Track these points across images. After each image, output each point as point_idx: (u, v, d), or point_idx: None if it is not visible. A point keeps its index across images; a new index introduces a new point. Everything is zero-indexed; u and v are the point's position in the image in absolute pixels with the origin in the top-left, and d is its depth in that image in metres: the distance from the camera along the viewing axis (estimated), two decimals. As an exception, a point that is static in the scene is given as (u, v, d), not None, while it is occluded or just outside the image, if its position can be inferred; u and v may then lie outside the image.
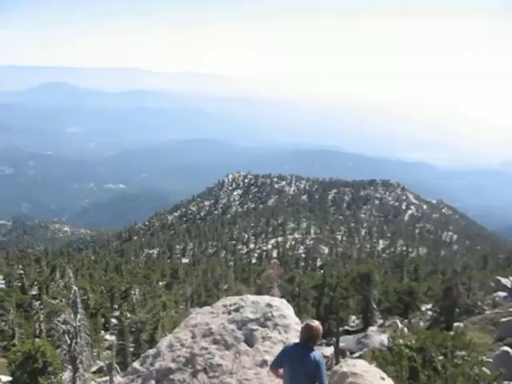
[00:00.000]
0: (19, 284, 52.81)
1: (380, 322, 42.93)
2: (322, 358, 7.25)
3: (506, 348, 19.75)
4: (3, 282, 55.52)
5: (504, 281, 40.29)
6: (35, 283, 52.31)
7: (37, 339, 26.94)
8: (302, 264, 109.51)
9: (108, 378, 30.55)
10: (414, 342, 15.30)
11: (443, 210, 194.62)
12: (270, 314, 10.12)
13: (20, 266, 63.98)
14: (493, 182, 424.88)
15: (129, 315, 44.40)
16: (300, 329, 7.48)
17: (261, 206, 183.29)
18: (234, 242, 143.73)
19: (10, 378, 25.59)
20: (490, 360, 19.47)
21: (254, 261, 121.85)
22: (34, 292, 50.22)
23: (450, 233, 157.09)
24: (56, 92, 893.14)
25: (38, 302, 43.22)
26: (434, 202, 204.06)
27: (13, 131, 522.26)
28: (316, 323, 7.27)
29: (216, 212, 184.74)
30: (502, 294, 37.15)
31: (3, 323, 35.69)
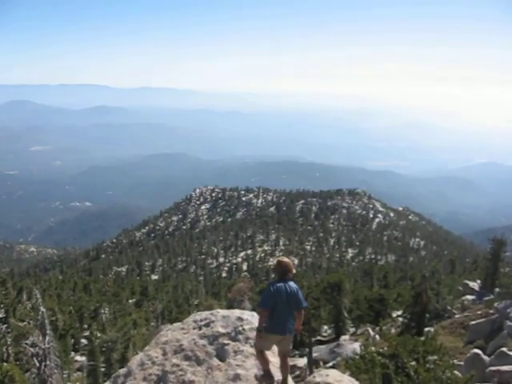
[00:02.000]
0: (-16, 308, 51.59)
1: (352, 330, 43.07)
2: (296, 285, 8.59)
3: (476, 350, 19.96)
4: (-33, 306, 54.18)
5: (472, 284, 40.83)
6: (1, 306, 50.87)
7: (4, 364, 26.25)
8: (272, 276, 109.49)
9: (79, 399, 29.98)
10: (386, 348, 15.34)
11: (410, 217, 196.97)
12: (241, 328, 10.06)
13: (-15, 289, 62.55)
14: (454, 187, 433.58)
15: (99, 335, 43.73)
16: (275, 267, 8.80)
17: (229, 219, 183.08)
18: (203, 256, 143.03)
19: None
20: (462, 363, 19.64)
21: (224, 274, 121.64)
22: (0, 315, 49.09)
23: (418, 239, 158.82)
24: (20, 110, 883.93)
25: (5, 325, 42.11)
26: (401, 209, 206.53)
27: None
28: (286, 258, 8.73)
29: (184, 227, 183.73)
30: (471, 297, 37.62)
31: (-31, 348, 34.73)
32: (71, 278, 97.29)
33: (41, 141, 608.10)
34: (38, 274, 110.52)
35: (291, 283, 8.51)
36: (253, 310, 18.59)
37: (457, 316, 32.60)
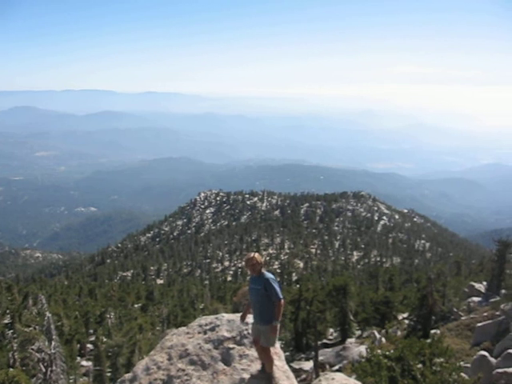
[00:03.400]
0: (-10, 313, 51.65)
1: (358, 333, 42.92)
2: (272, 275, 8.92)
3: (483, 352, 19.85)
4: (-26, 312, 54.30)
5: (478, 286, 40.66)
6: (7, 311, 50.96)
7: (11, 369, 26.28)
8: (278, 279, 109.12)
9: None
10: (392, 351, 15.29)
11: (415, 219, 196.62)
12: (246, 332, 10.04)
13: (-9, 295, 62.68)
14: (459, 189, 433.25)
15: (105, 339, 43.71)
16: (245, 265, 9.09)
17: (234, 223, 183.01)
18: (208, 260, 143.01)
19: (-17, 411, 24.92)
20: (468, 365, 19.55)
21: (229, 278, 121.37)
22: (6, 321, 48.93)
23: (423, 241, 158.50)
24: (25, 116, 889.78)
25: (11, 330, 42.18)
26: (406, 211, 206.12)
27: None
28: (252, 253, 8.98)
29: (189, 231, 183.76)
30: (477, 299, 37.44)
31: (-25, 354, 34.75)
32: (77, 283, 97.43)
33: (45, 146, 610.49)
34: (43, 280, 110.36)
35: (265, 273, 8.93)
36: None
37: (463, 318, 32.45)
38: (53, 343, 23.21)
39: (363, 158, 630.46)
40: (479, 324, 26.26)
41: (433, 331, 30.11)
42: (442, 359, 13.85)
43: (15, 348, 38.46)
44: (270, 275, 8.78)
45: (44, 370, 22.49)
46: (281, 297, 8.63)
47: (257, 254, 8.92)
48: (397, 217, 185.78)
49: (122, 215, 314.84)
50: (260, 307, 8.73)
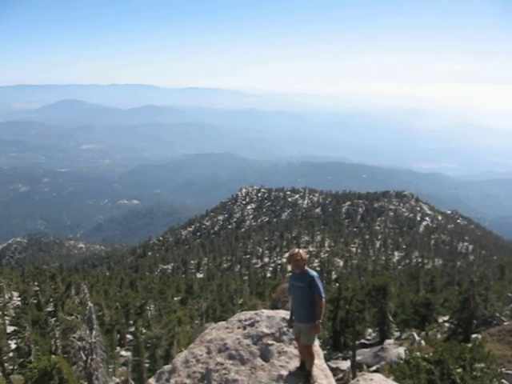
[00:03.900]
0: (35, 301, 52.89)
1: (397, 334, 42.50)
2: (316, 273, 8.73)
3: (526, 359, 19.49)
4: (19, 298, 55.71)
5: (522, 291, 39.82)
6: (51, 300, 52.30)
7: (53, 356, 26.91)
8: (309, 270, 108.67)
9: (124, 394, 30.45)
10: (431, 354, 15.13)
11: (458, 221, 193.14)
12: (285, 329, 10.06)
13: (35, 283, 64.21)
14: (505, 190, 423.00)
15: (144, 331, 44.30)
16: (287, 260, 9.10)
17: (274, 219, 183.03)
18: (248, 256, 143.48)
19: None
20: (510, 372, 19.21)
21: (268, 275, 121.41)
22: (49, 309, 50.25)
23: (466, 243, 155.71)
24: (71, 110, 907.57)
25: (54, 318, 43.29)
26: (449, 212, 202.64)
27: (28, 149, 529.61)
28: (297, 249, 8.87)
29: (230, 226, 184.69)
30: (520, 304, 36.71)
31: (19, 340, 35.69)
32: (118, 275, 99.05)
33: (91, 139, 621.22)
34: (86, 270, 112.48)
35: (309, 270, 8.91)
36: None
37: (506, 323, 31.82)
38: (94, 332, 23.67)
39: (407, 158, 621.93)
40: (522, 330, 25.74)
41: (474, 336, 29.63)
42: (482, 364, 13.66)
43: (57, 336, 39.42)
44: (314, 273, 8.68)
45: (84, 358, 22.96)
46: (324, 295, 8.60)
47: (301, 250, 8.83)
48: (440, 218, 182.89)
49: (163, 209, 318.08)
50: (302, 305, 8.67)
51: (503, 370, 15.58)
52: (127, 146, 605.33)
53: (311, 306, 8.59)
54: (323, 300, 8.58)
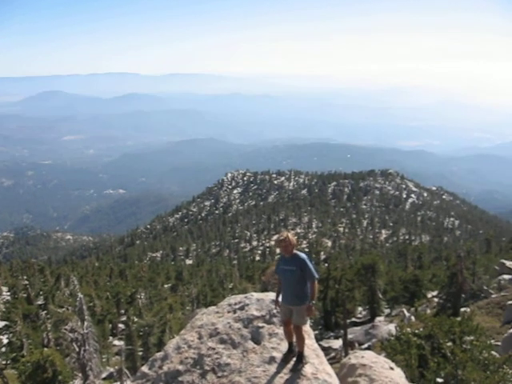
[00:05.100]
0: (25, 295, 52.67)
1: (387, 311, 42.92)
2: (305, 255, 8.66)
3: (514, 330, 19.73)
4: (8, 293, 55.48)
5: (508, 263, 40.18)
6: (40, 293, 52.16)
7: (45, 349, 26.89)
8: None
9: (119, 383, 30.52)
10: (421, 329, 15.29)
11: (444, 197, 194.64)
12: (275, 311, 10.08)
13: (24, 277, 64.00)
14: (489, 165, 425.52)
15: (136, 319, 44.35)
16: (275, 245, 9.20)
17: (261, 202, 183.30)
18: (236, 240, 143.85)
19: (20, 389, 25.52)
20: (499, 343, 19.46)
21: (257, 258, 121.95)
22: (39, 302, 50.09)
23: (452, 219, 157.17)
24: (51, 101, 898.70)
25: (45, 311, 43.18)
26: (434, 188, 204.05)
27: (10, 142, 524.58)
28: (285, 233, 8.66)
29: (217, 211, 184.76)
30: (507, 276, 37.05)
31: (11, 335, 35.61)
32: (107, 265, 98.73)
33: (73, 130, 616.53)
34: (74, 261, 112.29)
35: (298, 253, 8.80)
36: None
37: (493, 296, 32.21)
38: (85, 323, 23.63)
39: (391, 136, 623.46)
40: (510, 302, 26.04)
41: (463, 309, 29.98)
42: (472, 337, 13.80)
43: (49, 328, 39.40)
44: (304, 255, 8.62)
45: (77, 349, 22.93)
46: (317, 276, 8.58)
47: (290, 235, 8.68)
48: (425, 195, 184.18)
49: (150, 197, 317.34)
50: (294, 288, 8.60)
51: (492, 341, 15.75)
52: (110, 135, 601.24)
53: (303, 288, 8.58)
54: (316, 282, 8.57)
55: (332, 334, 38.51)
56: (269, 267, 56.02)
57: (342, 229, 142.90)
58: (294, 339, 9.02)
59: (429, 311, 34.54)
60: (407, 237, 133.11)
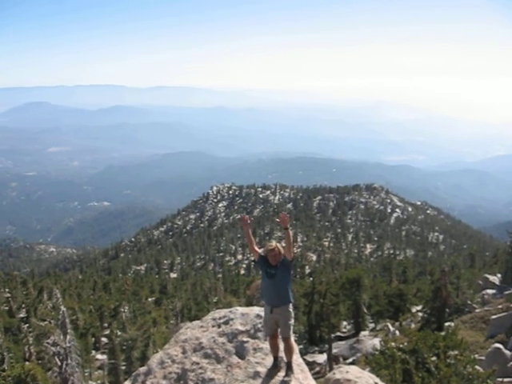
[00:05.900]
0: (6, 308, 52.00)
1: (371, 326, 42.92)
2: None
3: (498, 345, 19.80)
4: (-10, 306, 54.78)
5: (492, 278, 40.48)
6: (23, 306, 51.55)
7: (27, 363, 26.54)
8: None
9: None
10: (406, 344, 15.29)
11: (428, 211, 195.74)
12: (260, 325, 10.05)
13: (6, 290, 63.20)
14: (473, 180, 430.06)
15: (119, 333, 43.99)
16: (264, 252, 9.34)
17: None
18: (221, 254, 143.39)
19: (0, 405, 25.14)
20: (483, 358, 19.50)
21: (242, 272, 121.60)
22: (21, 315, 49.49)
23: (436, 233, 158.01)
24: (36, 112, 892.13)
25: (27, 324, 42.64)
26: (419, 203, 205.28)
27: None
28: (274, 243, 9.37)
29: (202, 225, 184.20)
30: (491, 291, 37.26)
31: (-9, 348, 35.13)
32: (91, 278, 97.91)
33: (58, 142, 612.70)
34: (58, 274, 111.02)
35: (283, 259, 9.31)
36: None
37: (477, 310, 32.34)
38: (68, 337, 23.41)
39: (376, 151, 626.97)
40: (494, 316, 26.16)
41: (447, 324, 30.03)
42: (456, 352, 13.83)
43: (31, 342, 38.87)
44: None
45: (59, 363, 22.69)
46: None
47: (279, 245, 9.25)
48: (410, 209, 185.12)
49: (135, 210, 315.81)
50: (283, 289, 8.82)
51: (476, 356, 15.80)
52: (95, 147, 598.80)
53: (289, 286, 8.92)
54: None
55: (317, 348, 38.41)
56: (254, 281, 55.94)
57: (327, 243, 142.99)
58: (280, 353, 9.01)
59: (413, 326, 34.60)
60: (392, 251, 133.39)
